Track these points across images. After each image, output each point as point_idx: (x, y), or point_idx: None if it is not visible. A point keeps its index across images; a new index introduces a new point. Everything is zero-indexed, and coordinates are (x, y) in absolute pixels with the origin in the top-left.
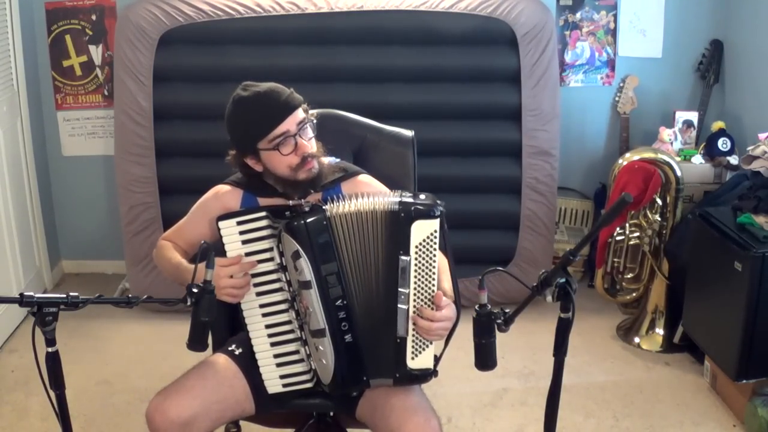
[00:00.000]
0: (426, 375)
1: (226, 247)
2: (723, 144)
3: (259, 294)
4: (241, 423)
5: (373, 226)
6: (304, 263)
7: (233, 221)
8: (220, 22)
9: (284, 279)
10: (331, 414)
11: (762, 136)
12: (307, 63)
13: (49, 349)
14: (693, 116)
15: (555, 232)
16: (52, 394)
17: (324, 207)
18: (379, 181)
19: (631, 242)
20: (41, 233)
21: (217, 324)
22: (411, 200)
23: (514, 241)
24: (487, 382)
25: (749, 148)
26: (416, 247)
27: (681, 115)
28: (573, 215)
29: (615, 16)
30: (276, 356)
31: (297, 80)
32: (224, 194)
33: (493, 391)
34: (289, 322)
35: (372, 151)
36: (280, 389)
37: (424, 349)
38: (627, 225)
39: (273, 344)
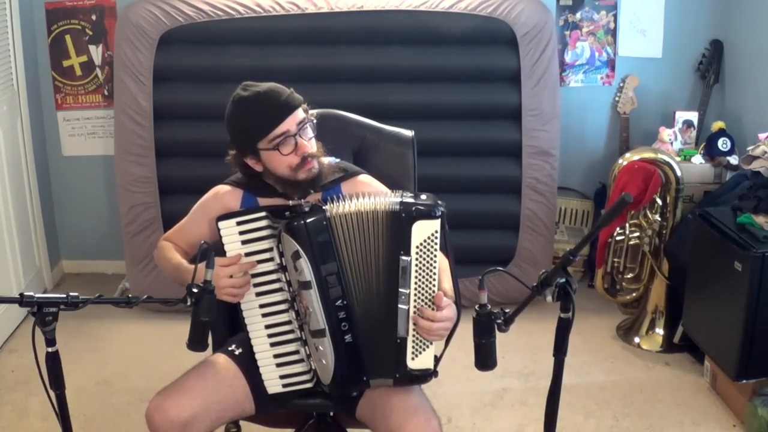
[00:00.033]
0: (426, 375)
1: (226, 247)
2: (723, 144)
3: (258, 294)
4: (241, 423)
5: (374, 227)
6: (304, 263)
7: (233, 221)
8: (220, 22)
9: (284, 279)
10: (331, 414)
11: (762, 136)
12: (307, 63)
13: (49, 349)
14: (693, 116)
15: (555, 232)
16: (52, 394)
17: (324, 207)
18: (379, 181)
19: (631, 242)
20: (41, 233)
21: (217, 324)
22: (412, 200)
23: (514, 241)
24: (487, 382)
25: (749, 148)
26: (417, 247)
27: (681, 115)
28: (573, 215)
29: (615, 16)
30: (276, 356)
31: (297, 80)
32: (224, 194)
33: (493, 391)
34: (289, 322)
35: (372, 151)
36: (280, 389)
37: (424, 350)
38: (627, 225)
39: (273, 344)
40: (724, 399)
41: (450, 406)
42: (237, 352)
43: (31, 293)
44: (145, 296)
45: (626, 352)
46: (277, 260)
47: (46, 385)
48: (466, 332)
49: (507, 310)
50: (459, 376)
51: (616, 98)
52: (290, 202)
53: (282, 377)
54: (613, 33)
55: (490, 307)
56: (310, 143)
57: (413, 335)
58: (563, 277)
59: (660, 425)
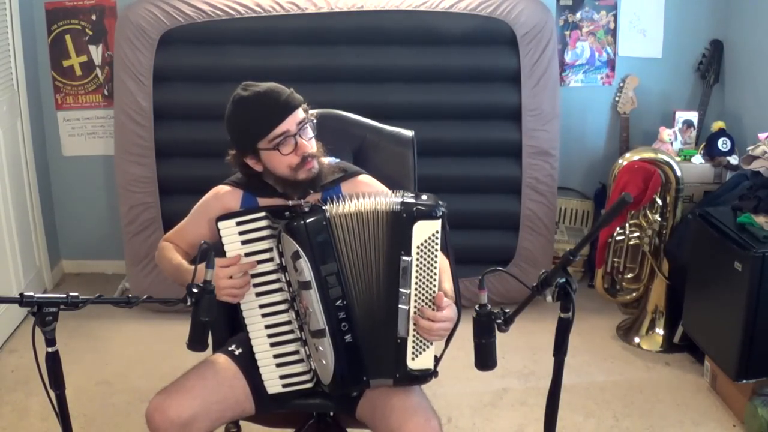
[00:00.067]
0: (426, 375)
1: (226, 248)
2: (723, 144)
3: (258, 294)
4: (241, 423)
5: (374, 227)
6: (304, 264)
7: (233, 221)
8: (220, 22)
9: (284, 279)
10: (331, 414)
11: (762, 136)
12: (307, 63)
13: (49, 349)
14: (693, 116)
15: (555, 232)
16: (52, 394)
17: (324, 207)
18: (379, 181)
19: (631, 242)
20: (41, 233)
21: (217, 324)
22: (413, 200)
23: (514, 241)
24: (487, 382)
25: (749, 148)
26: (418, 247)
27: (681, 115)
28: (573, 215)
29: (615, 16)
30: (276, 356)
31: (297, 80)
32: (224, 194)
33: (493, 391)
34: (288, 323)
35: (372, 151)
36: (280, 389)
37: (424, 350)
38: (627, 225)
39: (273, 344)
40: (724, 399)
41: (450, 406)
42: (237, 352)
43: (31, 293)
44: (145, 296)
45: (626, 352)
46: (277, 260)
47: (46, 385)
48: (466, 332)
49: (507, 310)
50: (459, 376)
51: (616, 98)
52: (290, 202)
53: (282, 377)
54: (613, 33)
55: (490, 307)
56: (310, 143)
57: (413, 335)
58: (563, 277)
59: (660, 425)
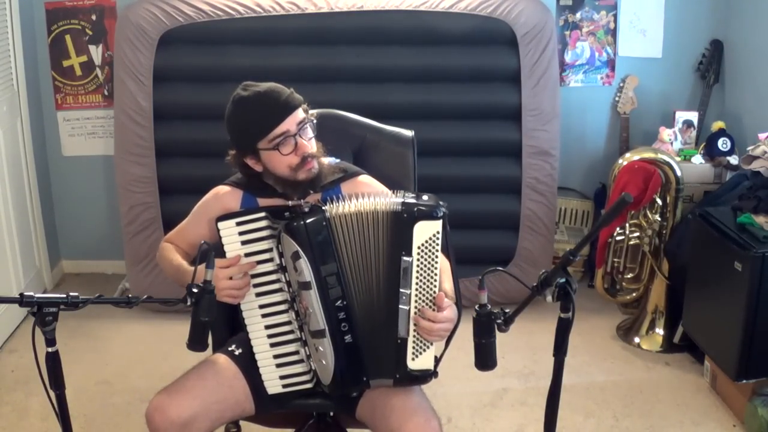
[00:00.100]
0: (426, 376)
1: (226, 248)
2: (723, 144)
3: (258, 294)
4: (241, 423)
5: (375, 227)
6: (304, 264)
7: (232, 222)
8: (220, 22)
9: (284, 279)
10: (331, 414)
11: (762, 136)
12: (307, 63)
13: (49, 349)
14: (693, 116)
15: (555, 232)
16: (52, 394)
17: (324, 207)
18: (379, 181)
19: (631, 242)
20: (41, 233)
21: (217, 324)
22: (414, 201)
23: (514, 241)
24: (487, 382)
25: (749, 148)
26: (419, 247)
27: (681, 115)
28: (573, 215)
29: (615, 16)
30: (276, 357)
31: (297, 80)
32: (224, 195)
33: (493, 391)
34: (288, 323)
35: (372, 151)
36: (280, 390)
37: (424, 350)
38: (627, 225)
39: (273, 345)
40: (724, 399)
41: (450, 406)
42: (237, 353)
43: (31, 293)
44: (145, 296)
45: (626, 352)
46: (277, 261)
47: (46, 385)
48: (466, 332)
49: (507, 310)
50: (459, 376)
51: (616, 98)
52: (290, 203)
53: (282, 377)
54: (613, 33)
55: (490, 307)
56: (310, 143)
57: (414, 336)
58: (563, 277)
59: (660, 425)
